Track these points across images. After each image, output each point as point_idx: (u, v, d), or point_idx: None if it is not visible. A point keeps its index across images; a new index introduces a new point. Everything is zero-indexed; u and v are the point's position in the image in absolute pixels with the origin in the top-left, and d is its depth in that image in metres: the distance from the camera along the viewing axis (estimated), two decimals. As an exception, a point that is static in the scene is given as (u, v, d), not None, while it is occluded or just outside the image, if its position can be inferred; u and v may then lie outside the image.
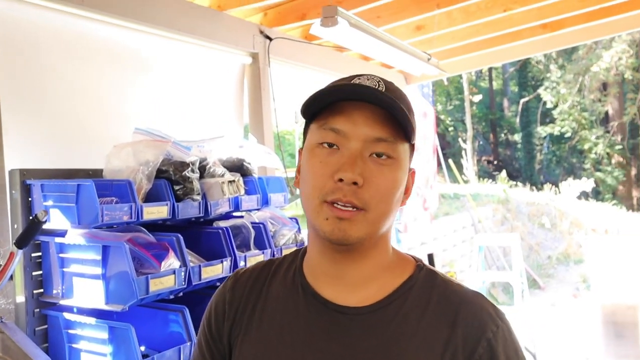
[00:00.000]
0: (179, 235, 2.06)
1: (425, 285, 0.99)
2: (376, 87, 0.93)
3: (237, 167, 2.53)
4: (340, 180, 0.89)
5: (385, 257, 1.01)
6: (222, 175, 2.35)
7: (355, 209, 0.90)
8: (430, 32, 4.10)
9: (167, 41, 2.79)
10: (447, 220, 8.82)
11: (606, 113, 20.45)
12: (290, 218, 2.69)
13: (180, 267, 2.02)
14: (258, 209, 2.60)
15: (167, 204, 2.10)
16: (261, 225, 2.47)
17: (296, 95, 5.48)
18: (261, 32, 3.42)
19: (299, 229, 2.67)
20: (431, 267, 1.04)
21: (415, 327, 0.95)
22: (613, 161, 20.32)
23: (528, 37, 4.57)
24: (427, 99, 5.78)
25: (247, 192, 2.52)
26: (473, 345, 0.93)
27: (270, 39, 3.45)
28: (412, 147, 0.98)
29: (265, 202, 2.64)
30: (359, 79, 0.95)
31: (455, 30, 4.25)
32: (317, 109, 0.95)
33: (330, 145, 0.92)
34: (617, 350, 5.56)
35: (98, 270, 1.90)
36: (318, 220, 0.92)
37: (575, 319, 7.32)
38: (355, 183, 0.89)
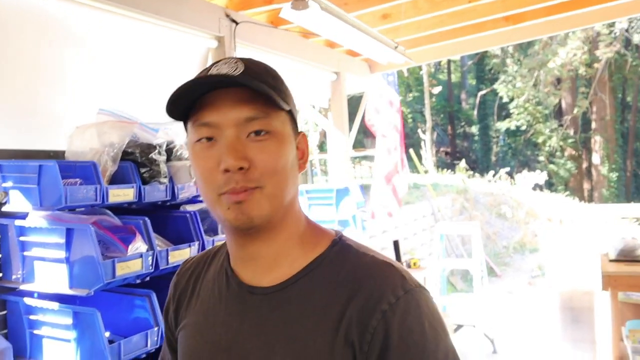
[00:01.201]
0: (146, 219, 2.01)
1: (336, 261, 0.95)
2: (234, 70, 0.91)
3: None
4: (227, 170, 0.88)
5: (295, 232, 0.97)
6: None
7: (250, 190, 0.89)
8: (396, 21, 4.10)
9: (130, 21, 2.71)
10: (407, 209, 8.90)
11: (560, 107, 20.97)
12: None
13: (147, 250, 1.97)
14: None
15: (133, 187, 2.05)
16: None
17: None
18: (227, 16, 3.36)
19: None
20: (349, 241, 0.99)
21: (318, 304, 0.91)
22: (566, 154, 20.86)
23: (491, 29, 4.62)
24: (392, 87, 5.78)
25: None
26: (367, 317, 0.87)
27: (237, 23, 3.39)
28: (290, 114, 0.96)
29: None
30: (216, 66, 0.94)
31: (421, 19, 4.25)
32: (183, 108, 0.93)
33: (209, 139, 0.91)
34: (574, 334, 5.71)
35: (61, 254, 1.84)
36: (221, 210, 0.92)
37: (531, 306, 7.49)
38: (241, 168, 0.88)
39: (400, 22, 4.10)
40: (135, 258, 1.92)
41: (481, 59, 23.16)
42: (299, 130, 0.99)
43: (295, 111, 0.98)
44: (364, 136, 16.67)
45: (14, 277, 1.99)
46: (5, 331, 2.01)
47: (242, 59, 0.94)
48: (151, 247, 2.00)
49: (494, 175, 14.23)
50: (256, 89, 0.88)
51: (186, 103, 0.92)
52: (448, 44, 4.84)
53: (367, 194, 5.10)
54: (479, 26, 4.56)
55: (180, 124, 0.98)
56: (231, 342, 0.95)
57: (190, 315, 1.05)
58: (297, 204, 0.99)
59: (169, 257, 2.06)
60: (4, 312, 2.02)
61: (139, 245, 1.94)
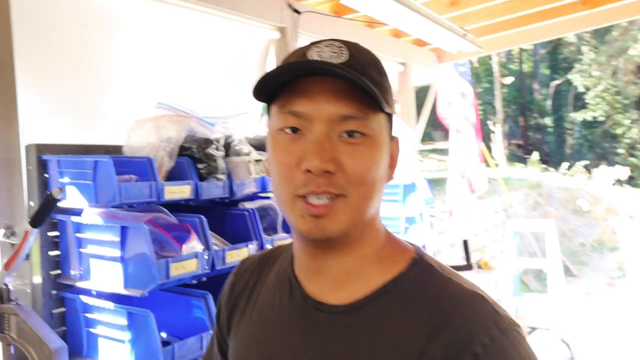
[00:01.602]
0: (202, 217, 1.94)
1: (416, 284, 0.82)
2: (338, 56, 0.79)
3: (264, 146, 2.39)
4: (309, 171, 0.77)
5: (373, 248, 0.86)
6: (248, 154, 2.21)
7: (333, 197, 0.78)
8: (465, 8, 3.90)
9: (190, 12, 2.66)
10: (478, 204, 8.61)
11: (640, 96, 19.91)
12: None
13: (203, 250, 1.90)
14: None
15: (189, 183, 1.98)
16: (271, 210, 2.34)
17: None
18: (289, 6, 3.26)
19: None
20: (431, 260, 0.86)
21: (392, 332, 0.79)
22: (648, 146, 19.80)
23: (566, 14, 4.33)
24: (464, 78, 5.55)
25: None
26: (455, 359, 0.75)
27: (299, 13, 3.29)
28: (389, 115, 0.83)
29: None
30: (318, 47, 0.81)
31: (491, 5, 4.04)
32: (273, 89, 0.81)
33: (294, 130, 0.79)
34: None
35: (116, 253, 1.79)
36: (293, 216, 0.81)
37: (611, 308, 7.09)
38: (327, 172, 0.77)
39: (469, 9, 3.90)
40: (190, 258, 1.84)
41: (555, 47, 22.26)
42: (393, 134, 0.86)
43: (394, 113, 0.85)
44: (433, 129, 16.34)
45: (72, 273, 1.96)
46: (64, 328, 1.99)
47: (347, 43, 0.81)
48: (207, 246, 1.92)
49: (568, 169, 13.62)
50: (360, 85, 0.76)
51: (276, 85, 0.80)
52: (520, 31, 4.57)
53: (435, 188, 4.91)
54: (553, 11, 4.28)
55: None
56: (294, 357, 0.85)
57: (245, 323, 0.95)
58: (379, 216, 0.87)
59: (226, 257, 1.98)
60: (63, 309, 1.99)
61: (194, 244, 1.87)
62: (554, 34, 5.06)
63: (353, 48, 0.81)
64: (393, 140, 0.86)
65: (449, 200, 5.59)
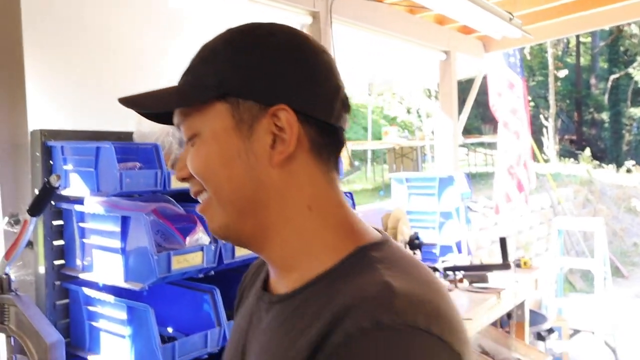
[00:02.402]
0: (212, 208, 1.83)
1: (344, 275, 0.72)
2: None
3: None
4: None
5: (302, 239, 0.78)
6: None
7: (204, 194, 0.81)
8: (512, -8, 3.69)
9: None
10: (525, 201, 8.31)
11: None
12: (345, 193, 2.42)
13: (210, 243, 1.79)
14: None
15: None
16: None
17: (367, 63, 5.18)
18: (323, -11, 3.13)
19: (354, 204, 2.39)
20: (384, 252, 0.75)
21: (300, 325, 0.72)
22: None
23: (622, 1, 4.04)
24: (514, 70, 5.29)
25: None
26: (322, 347, 0.66)
27: (333, -3, 3.15)
28: (227, 99, 0.75)
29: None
30: None
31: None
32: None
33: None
34: None
35: (117, 244, 1.70)
36: None
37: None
38: (184, 179, 0.82)
39: (517, -6, 3.68)
40: (196, 251, 1.74)
41: (615, 40, 21.44)
42: (275, 101, 0.74)
43: (245, 86, 0.75)
44: (482, 122, 15.92)
45: (76, 264, 1.89)
46: (67, 320, 1.92)
47: (200, 49, 0.82)
48: (215, 239, 1.81)
49: (619, 167, 13.06)
50: (132, 108, 0.83)
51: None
52: (573, 18, 4.30)
53: (480, 183, 4.70)
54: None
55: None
56: (245, 348, 0.85)
57: (237, 316, 0.96)
58: (294, 203, 0.77)
59: (235, 251, 1.87)
60: (67, 301, 1.93)
61: (199, 236, 1.76)
62: (612, 22, 4.77)
63: (198, 53, 0.82)
64: (263, 113, 0.74)
65: (495, 196, 5.37)
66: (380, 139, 10.66)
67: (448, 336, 0.65)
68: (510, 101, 5.31)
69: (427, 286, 0.71)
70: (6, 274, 1.71)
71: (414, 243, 2.67)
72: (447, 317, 0.67)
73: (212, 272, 1.89)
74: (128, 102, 0.81)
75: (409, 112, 15.17)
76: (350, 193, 2.47)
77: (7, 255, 1.70)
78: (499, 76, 5.24)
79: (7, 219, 1.83)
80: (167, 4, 2.46)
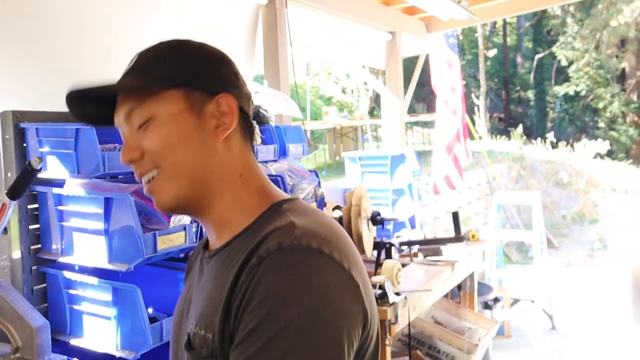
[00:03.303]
0: (190, 188, 1.85)
1: (263, 223, 0.91)
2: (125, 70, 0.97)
3: (253, 115, 2.30)
4: (128, 164, 0.96)
5: (236, 201, 0.96)
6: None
7: (152, 178, 0.94)
8: (458, -26, 3.80)
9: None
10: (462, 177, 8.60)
11: (623, 70, 19.96)
12: (310, 171, 2.48)
13: (191, 222, 1.82)
14: (275, 161, 2.39)
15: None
16: (279, 178, 2.25)
17: (309, 43, 5.21)
18: (277, -30, 3.14)
19: (319, 182, 2.46)
20: (294, 205, 0.94)
21: (225, 270, 0.90)
22: (628, 120, 19.92)
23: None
24: (453, 50, 5.46)
25: (264, 142, 2.31)
26: (242, 274, 0.83)
27: (288, -23, 3.18)
28: (179, 88, 0.93)
29: (282, 153, 2.43)
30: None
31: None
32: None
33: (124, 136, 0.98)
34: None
35: (100, 225, 1.70)
36: None
37: (592, 280, 7.16)
38: (132, 161, 0.95)
39: (463, -24, 3.80)
40: (179, 231, 1.76)
41: (539, 20, 22.21)
42: (218, 91, 0.94)
43: (195, 79, 0.94)
44: (415, 101, 16.24)
45: (53, 248, 1.87)
46: (45, 305, 1.91)
47: (139, 53, 0.98)
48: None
49: (549, 142, 13.68)
50: (122, 82, 0.94)
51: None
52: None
53: (422, 162, 4.86)
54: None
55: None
56: (190, 299, 1.00)
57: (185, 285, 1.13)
58: (231, 172, 0.96)
59: (215, 230, 1.90)
60: (44, 285, 1.91)
61: (182, 216, 1.78)
62: (549, 3, 4.98)
63: (140, 54, 0.97)
64: (214, 98, 0.94)
65: (433, 174, 5.55)
66: (318, 119, 10.76)
67: (338, 256, 0.82)
68: (449, 80, 5.48)
69: (325, 226, 0.88)
70: (-18, 260, 1.69)
71: (376, 219, 2.76)
72: (339, 245, 0.85)
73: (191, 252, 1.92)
74: (78, 92, 0.93)
75: (344, 92, 15.30)
76: (315, 171, 2.53)
77: (-17, 240, 1.68)
78: (439, 56, 5.40)
79: (-21, 203, 1.80)
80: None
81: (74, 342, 1.82)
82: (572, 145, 14.30)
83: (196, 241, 1.83)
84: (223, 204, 0.95)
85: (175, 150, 0.92)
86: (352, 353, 0.80)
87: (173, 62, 0.95)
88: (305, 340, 0.74)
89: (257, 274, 0.79)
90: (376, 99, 13.76)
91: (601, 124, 20.43)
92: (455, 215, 3.26)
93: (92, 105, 0.98)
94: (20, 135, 1.83)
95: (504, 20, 22.46)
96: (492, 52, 20.71)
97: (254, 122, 1.04)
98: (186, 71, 0.95)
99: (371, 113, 12.24)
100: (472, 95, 19.00)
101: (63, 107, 1.93)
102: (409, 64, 5.92)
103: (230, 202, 0.95)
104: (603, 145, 13.68)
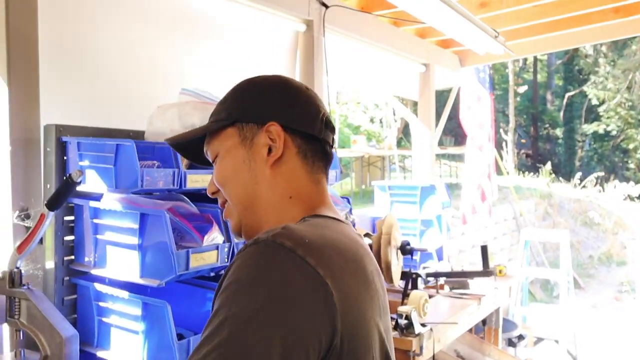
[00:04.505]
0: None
1: None
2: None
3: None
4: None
5: (280, 222, 0.94)
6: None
7: (225, 202, 1.05)
8: (495, 10, 3.82)
9: (218, 1, 2.59)
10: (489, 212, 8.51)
11: (655, 112, 19.72)
12: (342, 197, 2.48)
13: (224, 242, 1.83)
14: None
15: (213, 173, 1.90)
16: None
17: (341, 71, 5.26)
18: (317, -2, 3.19)
19: (351, 209, 2.46)
20: (309, 218, 0.96)
21: None
22: (659, 162, 19.62)
23: (598, 22, 4.24)
24: (483, 85, 5.46)
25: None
26: None
27: (327, 7, 3.22)
28: (235, 125, 1.01)
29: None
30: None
31: (521, 9, 3.95)
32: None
33: None
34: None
35: (134, 240, 1.72)
36: None
37: (618, 323, 6.99)
38: (213, 193, 1.07)
39: (499, 11, 3.81)
40: (211, 250, 1.78)
41: (571, 58, 22.08)
42: (266, 121, 0.99)
43: (245, 114, 1.01)
44: (443, 134, 16.22)
45: (86, 260, 1.89)
46: (75, 316, 1.93)
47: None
48: (228, 238, 1.85)
49: (580, 181, 13.50)
50: (174, 144, 1.13)
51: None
52: (549, 37, 4.48)
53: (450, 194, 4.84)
54: (584, 18, 4.19)
55: None
56: None
57: None
58: (279, 195, 0.99)
59: (246, 251, 1.91)
60: (75, 296, 1.93)
61: (215, 235, 1.80)
62: (584, 42, 4.97)
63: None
64: (260, 130, 0.99)
65: (462, 206, 5.51)
66: (346, 147, 10.79)
67: (312, 260, 0.79)
68: (477, 115, 5.47)
69: (325, 239, 0.87)
70: (17, 268, 1.71)
71: (406, 249, 2.75)
72: (324, 255, 0.82)
73: (222, 272, 1.92)
74: (171, 141, 1.12)
75: (372, 121, 15.35)
76: (347, 198, 2.53)
77: (20, 248, 1.71)
78: (469, 90, 5.40)
79: (17, 212, 1.84)
80: (189, 7, 2.49)
81: (100, 354, 1.83)
82: (601, 185, 14.09)
83: (227, 261, 1.84)
84: (270, 224, 0.97)
85: (230, 181, 1.02)
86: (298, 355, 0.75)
87: (229, 102, 1.04)
88: (247, 330, 0.73)
89: (231, 265, 0.82)
90: (404, 130, 13.77)
91: (631, 165, 20.12)
92: (484, 249, 3.23)
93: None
94: (62, 149, 1.87)
95: (535, 57, 22.40)
96: (523, 89, 20.63)
97: (328, 133, 1.04)
98: (239, 108, 1.02)
99: (399, 143, 12.24)
100: (501, 130, 18.90)
101: (105, 123, 1.98)
102: (439, 96, 5.93)
103: (276, 222, 0.96)
104: (636, 189, 13.45)
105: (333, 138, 1.07)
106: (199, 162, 1.14)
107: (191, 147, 1.11)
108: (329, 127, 1.04)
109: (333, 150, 1.07)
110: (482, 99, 5.41)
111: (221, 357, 0.71)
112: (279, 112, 1.00)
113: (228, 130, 1.02)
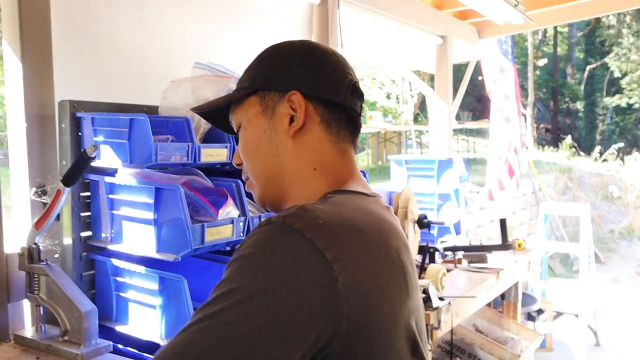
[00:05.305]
0: (239, 182, 1.86)
1: None
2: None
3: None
4: None
5: (305, 194, 0.96)
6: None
7: (247, 174, 1.04)
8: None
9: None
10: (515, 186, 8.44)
11: (679, 84, 19.33)
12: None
13: (239, 216, 1.82)
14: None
15: (227, 147, 1.90)
16: None
17: (358, 45, 5.21)
18: (331, -30, 3.14)
19: (367, 180, 2.44)
20: (331, 195, 0.91)
21: None
22: (682, 135, 19.30)
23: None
24: (506, 56, 5.36)
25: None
26: None
27: (341, -22, 3.17)
28: (257, 93, 0.99)
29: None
30: None
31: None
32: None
33: None
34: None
35: (150, 215, 1.72)
36: None
37: (639, 297, 6.94)
38: (238, 165, 1.05)
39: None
40: (226, 224, 1.77)
41: (592, 30, 21.67)
42: (288, 90, 0.96)
43: (267, 82, 0.98)
44: (460, 110, 16.06)
45: (103, 235, 1.90)
46: (93, 291, 1.94)
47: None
48: (243, 212, 1.85)
49: (601, 154, 13.32)
50: (202, 113, 1.11)
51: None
52: (572, 5, 4.36)
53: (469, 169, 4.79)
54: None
55: None
56: None
57: None
58: (304, 167, 0.97)
59: (262, 225, 1.90)
60: (92, 272, 1.94)
61: (230, 209, 1.79)
62: (608, 10, 4.83)
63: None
64: (285, 98, 0.96)
65: (487, 181, 5.45)
66: (364, 123, 10.73)
67: (321, 244, 0.76)
68: (502, 86, 5.39)
69: (341, 218, 0.83)
70: (35, 244, 1.73)
71: (423, 222, 2.73)
72: (338, 237, 0.79)
73: (238, 245, 1.92)
74: (198, 110, 1.11)
75: (388, 97, 15.24)
76: (363, 172, 2.51)
77: (38, 225, 1.72)
78: (492, 62, 5.31)
79: (34, 189, 1.84)
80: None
81: (119, 328, 1.84)
82: (622, 159, 13.89)
83: (243, 235, 1.83)
84: (294, 197, 0.97)
85: (252, 153, 1.00)
86: (293, 342, 0.72)
87: (253, 69, 1.02)
88: (239, 311, 0.71)
89: (243, 243, 0.81)
90: (421, 105, 13.66)
91: (653, 139, 19.84)
92: (502, 223, 3.20)
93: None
94: (76, 125, 1.86)
95: (555, 29, 22.03)
96: (542, 62, 20.32)
97: (355, 101, 0.99)
98: (261, 75, 1.00)
99: (415, 119, 12.14)
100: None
101: (119, 99, 1.97)
102: (456, 70, 5.85)
103: (300, 195, 0.96)
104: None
105: (361, 106, 1.01)
106: (228, 131, 1.12)
107: (219, 117, 1.09)
108: (357, 94, 0.99)
109: (361, 118, 1.03)
110: (505, 71, 5.33)
111: (208, 329, 0.71)
112: (302, 79, 0.96)
113: (250, 99, 1.00)
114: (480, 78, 5.71)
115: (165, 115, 1.90)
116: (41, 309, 1.75)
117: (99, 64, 2.10)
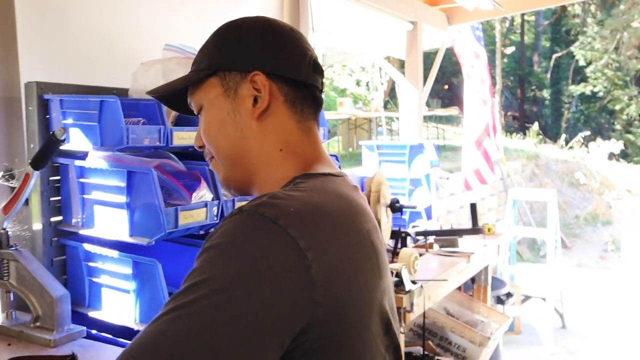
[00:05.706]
0: (212, 165, 1.84)
1: None
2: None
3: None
4: None
5: (272, 176, 0.96)
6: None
7: (210, 156, 1.01)
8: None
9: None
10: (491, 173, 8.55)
11: (642, 72, 19.76)
12: (331, 155, 2.46)
13: (212, 200, 1.81)
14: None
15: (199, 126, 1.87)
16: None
17: (327, 31, 5.19)
18: (302, -47, 3.12)
19: (340, 166, 2.44)
20: (301, 180, 0.90)
21: None
22: (644, 123, 19.73)
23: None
24: (479, 42, 5.42)
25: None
26: None
27: (312, -38, 3.16)
28: (217, 74, 0.96)
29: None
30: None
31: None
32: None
33: None
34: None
35: (122, 199, 1.70)
36: None
37: (603, 281, 7.12)
38: (200, 147, 1.02)
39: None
40: (200, 207, 1.76)
41: (558, 19, 21.96)
42: (250, 70, 0.93)
43: (227, 63, 0.95)
44: (430, 97, 16.18)
45: (74, 220, 1.87)
46: (65, 277, 1.91)
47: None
48: (217, 196, 1.83)
49: (567, 142, 13.57)
50: (158, 97, 1.07)
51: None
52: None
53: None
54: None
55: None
56: None
57: None
58: (269, 148, 0.95)
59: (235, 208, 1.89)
60: (64, 257, 1.91)
61: (203, 193, 1.78)
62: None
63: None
64: (248, 77, 0.93)
65: (464, 169, 5.51)
66: (332, 109, 10.74)
67: (294, 232, 0.76)
68: (478, 71, 5.45)
69: (313, 205, 0.83)
70: (4, 229, 1.69)
71: (395, 206, 2.75)
72: (310, 224, 0.79)
73: (212, 229, 1.91)
74: (153, 92, 1.06)
75: (358, 84, 15.26)
76: (335, 155, 2.51)
77: (6, 209, 1.68)
78: (468, 47, 5.36)
79: (1, 173, 1.80)
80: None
81: (92, 314, 1.82)
82: (587, 146, 14.18)
83: (217, 218, 1.82)
84: (261, 179, 0.96)
85: (215, 135, 0.97)
86: (269, 331, 0.72)
87: (210, 48, 0.98)
88: (212, 300, 0.70)
89: (214, 232, 0.79)
90: (390, 92, 13.71)
91: (617, 126, 20.23)
92: (473, 207, 3.24)
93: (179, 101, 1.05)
94: (44, 107, 1.82)
95: (522, 18, 22.28)
96: (510, 50, 20.54)
97: (317, 77, 0.98)
98: (219, 55, 0.96)
99: (385, 106, 12.18)
100: (488, 92, 18.87)
101: (88, 81, 1.93)
102: (426, 58, 5.88)
103: (267, 177, 0.96)
104: (617, 146, 13.55)
105: (322, 82, 1.00)
106: (187, 112, 1.08)
107: (176, 99, 1.05)
108: (317, 70, 0.98)
109: (323, 94, 1.02)
110: (480, 56, 5.38)
111: (181, 319, 0.70)
112: (263, 58, 0.94)
113: (210, 80, 0.97)
114: (449, 66, 5.75)
115: (137, 98, 1.87)
116: (11, 295, 1.72)
117: (66, 45, 2.05)
